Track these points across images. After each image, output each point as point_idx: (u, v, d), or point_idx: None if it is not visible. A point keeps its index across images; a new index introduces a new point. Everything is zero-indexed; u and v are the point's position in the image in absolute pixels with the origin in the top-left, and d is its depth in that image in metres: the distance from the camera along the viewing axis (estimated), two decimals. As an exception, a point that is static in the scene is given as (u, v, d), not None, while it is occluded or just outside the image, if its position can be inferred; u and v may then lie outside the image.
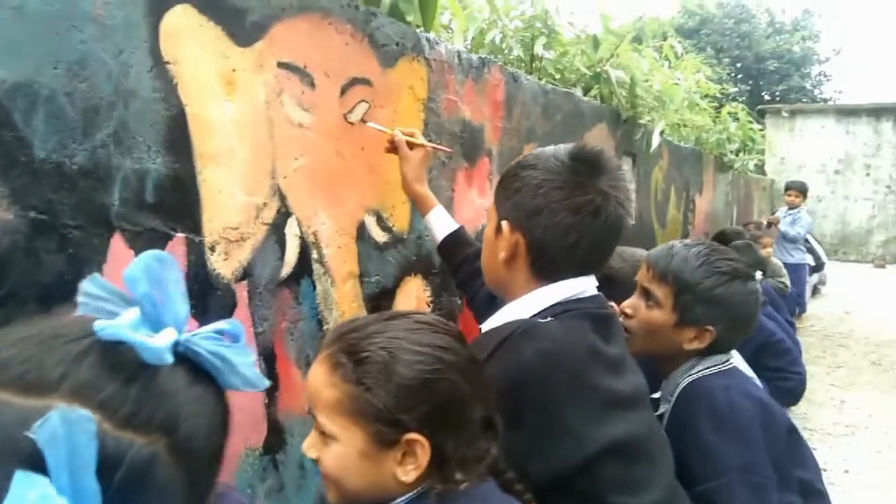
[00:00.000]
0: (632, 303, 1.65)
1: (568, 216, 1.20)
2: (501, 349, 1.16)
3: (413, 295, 2.04)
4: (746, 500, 1.39)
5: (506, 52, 3.45)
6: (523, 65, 3.56)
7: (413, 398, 0.92)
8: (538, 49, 3.47)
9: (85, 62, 1.11)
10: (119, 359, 0.59)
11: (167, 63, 1.25)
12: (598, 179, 1.22)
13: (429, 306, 2.12)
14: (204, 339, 0.66)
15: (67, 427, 0.52)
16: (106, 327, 0.59)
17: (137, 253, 1.17)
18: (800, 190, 7.71)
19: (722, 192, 7.56)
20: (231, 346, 0.68)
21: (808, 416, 4.08)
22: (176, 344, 0.63)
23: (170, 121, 1.26)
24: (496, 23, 3.33)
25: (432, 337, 0.97)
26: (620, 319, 1.68)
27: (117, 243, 1.18)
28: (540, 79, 3.48)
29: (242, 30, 1.40)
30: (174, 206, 1.28)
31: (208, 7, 1.32)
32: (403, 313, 1.04)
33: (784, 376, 3.67)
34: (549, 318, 1.21)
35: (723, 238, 4.74)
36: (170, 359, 0.61)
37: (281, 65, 1.51)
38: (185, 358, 0.64)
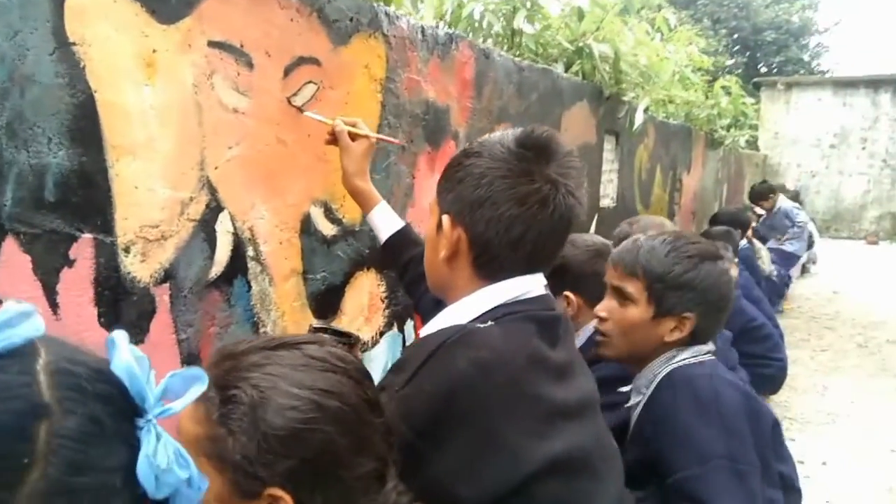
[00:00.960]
0: (605, 306, 1.59)
1: (512, 207, 1.10)
2: (433, 358, 1.07)
3: (364, 290, 1.95)
4: (729, 487, 1.36)
5: (484, 28, 3.32)
6: (504, 41, 3.43)
7: (279, 450, 0.81)
8: (518, 23, 3.34)
9: (-32, 45, 1.00)
10: None
11: (73, 44, 1.13)
12: (546, 166, 1.12)
13: (382, 302, 2.03)
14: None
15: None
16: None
17: (34, 258, 1.08)
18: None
19: (712, 169, 7.48)
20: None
21: (789, 404, 4.05)
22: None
23: (75, 109, 1.15)
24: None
25: (318, 377, 0.86)
26: (595, 324, 1.61)
27: (10, 247, 1.08)
28: (520, 55, 3.36)
29: (166, 5, 1.29)
30: (80, 204, 1.17)
31: (123, -19, 1.20)
32: (295, 342, 0.91)
33: (764, 363, 3.63)
34: (489, 323, 1.12)
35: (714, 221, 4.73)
36: None
37: (213, 44, 1.39)
38: None
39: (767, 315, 3.99)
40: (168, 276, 1.35)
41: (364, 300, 1.95)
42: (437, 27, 2.15)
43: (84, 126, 1.16)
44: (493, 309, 1.13)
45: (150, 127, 1.28)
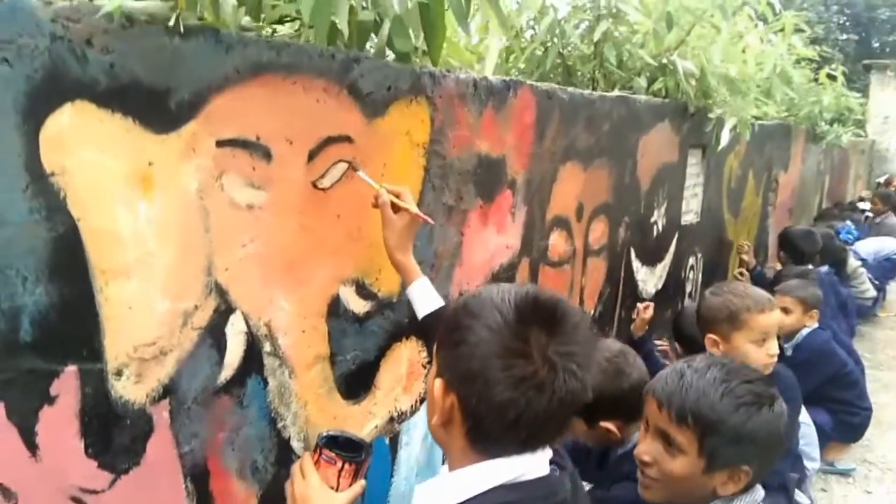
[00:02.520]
0: (648, 449, 1.35)
1: (506, 391, 0.91)
2: None
3: (402, 361, 1.79)
4: None
5: (558, 39, 3.05)
6: (578, 54, 3.15)
7: None
8: (598, 34, 3.05)
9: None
10: None
11: (51, 175, 1.01)
12: (547, 343, 0.92)
13: (425, 368, 1.87)
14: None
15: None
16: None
17: (8, 403, 0.97)
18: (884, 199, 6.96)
19: (812, 163, 6.88)
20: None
21: (871, 444, 3.63)
22: None
23: (54, 242, 1.02)
24: (547, 10, 2.93)
25: None
26: (638, 468, 1.39)
27: (-21, 397, 0.98)
28: (599, 70, 3.08)
29: (164, 114, 1.14)
30: (62, 337, 1.06)
31: (113, 98, 1.06)
32: None
33: (853, 411, 3.32)
34: None
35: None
36: None
37: (222, 143, 1.24)
38: None
39: (847, 349, 3.60)
40: (168, 391, 1.23)
41: (402, 370, 1.80)
42: (491, 77, 1.92)
43: (65, 258, 1.04)
44: (484, 493, 0.95)
45: (147, 244, 1.15)
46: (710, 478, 1.28)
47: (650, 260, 3.24)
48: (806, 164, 6.53)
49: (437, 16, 1.64)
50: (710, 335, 2.07)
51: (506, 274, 2.14)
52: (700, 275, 4.04)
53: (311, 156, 1.43)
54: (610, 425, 1.75)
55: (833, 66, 6.56)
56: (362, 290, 1.62)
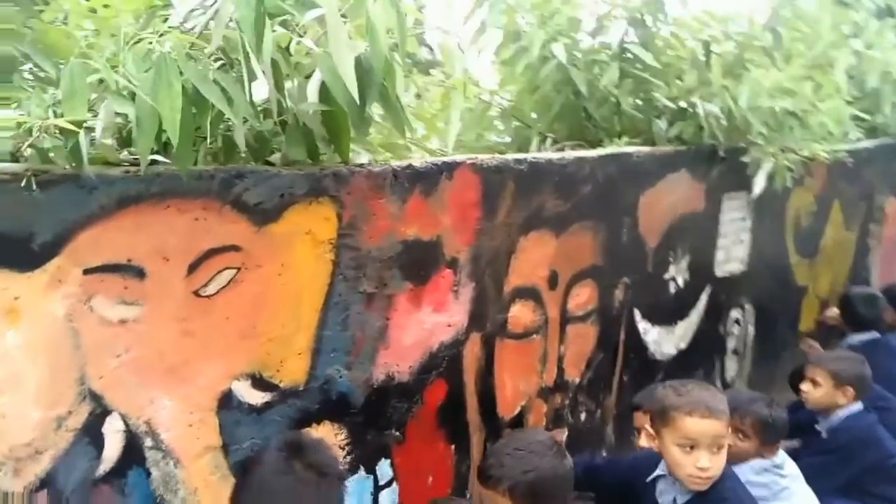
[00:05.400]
0: None
1: None
2: None
3: (315, 444, 2.07)
4: None
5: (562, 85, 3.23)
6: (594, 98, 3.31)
7: None
8: (607, 80, 3.21)
9: None
10: None
11: (-83, 318, 1.37)
12: None
13: (343, 449, 2.15)
14: None
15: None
16: None
17: None
18: None
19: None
20: None
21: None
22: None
23: (-77, 372, 1.39)
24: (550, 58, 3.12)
25: None
26: None
27: None
28: (616, 114, 3.23)
29: (28, 255, 1.49)
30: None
31: (-28, 249, 1.42)
32: None
33: None
34: None
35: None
36: None
37: (89, 270, 1.58)
38: None
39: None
40: (45, 483, 1.58)
41: (315, 453, 2.08)
42: (417, 164, 2.17)
43: (-66, 383, 1.41)
44: None
45: (16, 364, 1.50)
46: None
47: (665, 320, 3.35)
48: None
49: (341, 122, 1.92)
50: (645, 426, 2.22)
51: (448, 351, 2.38)
52: (751, 327, 4.06)
53: (193, 268, 1.74)
54: None
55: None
56: (260, 383, 1.92)
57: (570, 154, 2.76)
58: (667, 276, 3.31)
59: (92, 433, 1.64)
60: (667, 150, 3.19)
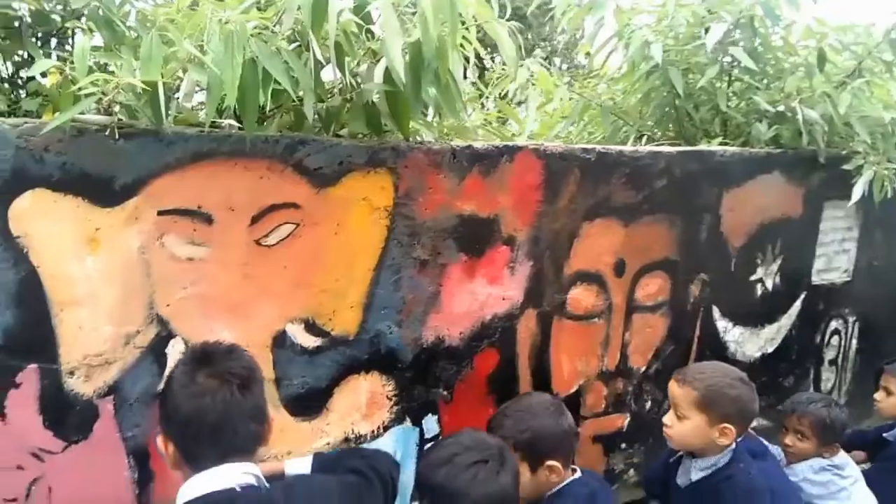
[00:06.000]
0: None
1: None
2: None
3: (361, 391, 2.27)
4: None
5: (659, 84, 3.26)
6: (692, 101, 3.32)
7: None
8: (705, 81, 3.21)
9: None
10: None
11: (17, 237, 1.68)
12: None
13: (389, 399, 2.33)
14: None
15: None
16: None
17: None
18: None
19: None
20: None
21: None
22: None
23: (18, 282, 1.69)
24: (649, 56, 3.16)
25: None
26: None
27: (-37, 378, 1.68)
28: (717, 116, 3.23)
29: (108, 193, 1.76)
30: (23, 344, 1.73)
31: (64, 184, 1.70)
32: None
33: None
34: None
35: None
36: None
37: (164, 212, 1.84)
38: None
39: None
40: (112, 390, 1.86)
41: (361, 399, 2.28)
42: (477, 145, 2.31)
43: (27, 290, 1.71)
44: None
45: (94, 285, 1.78)
46: None
47: (749, 321, 3.30)
48: None
49: (401, 102, 2.10)
50: None
51: (502, 323, 2.51)
52: (854, 340, 3.88)
53: (255, 219, 1.97)
54: (555, 463, 2.17)
55: None
56: (312, 328, 2.14)
57: (644, 148, 2.80)
58: (753, 277, 3.25)
59: (156, 352, 1.91)
60: (758, 151, 3.14)
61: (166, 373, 1.91)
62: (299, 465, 2.01)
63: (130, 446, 1.92)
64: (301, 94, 1.88)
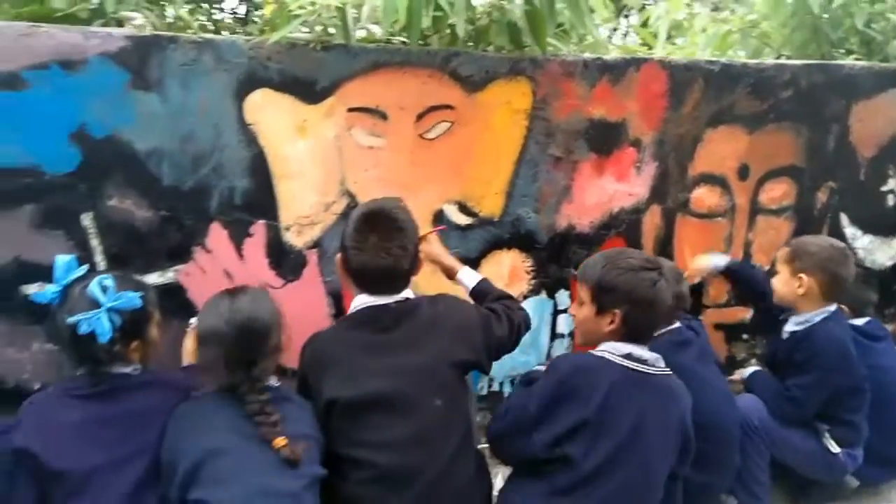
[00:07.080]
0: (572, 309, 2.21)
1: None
2: None
3: (504, 264, 2.75)
4: None
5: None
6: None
7: None
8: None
9: (192, 134, 2.23)
10: None
11: (250, 124, 2.29)
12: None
13: (528, 273, 2.80)
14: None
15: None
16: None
17: (231, 235, 2.31)
18: None
19: None
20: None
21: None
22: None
23: (252, 158, 2.31)
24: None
25: None
26: None
27: (216, 228, 2.33)
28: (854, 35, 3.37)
29: (312, 93, 2.34)
30: (255, 205, 2.35)
31: (282, 85, 2.29)
32: None
33: None
34: None
35: None
36: None
37: (352, 109, 2.39)
38: None
39: None
40: (316, 244, 2.46)
41: (504, 271, 2.76)
42: (607, 57, 2.68)
43: (257, 165, 2.32)
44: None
45: (303, 163, 2.37)
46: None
47: (880, 230, 3.44)
48: None
49: (539, 19, 2.53)
50: None
51: (628, 216, 2.89)
52: None
53: (420, 117, 2.49)
54: None
55: None
56: (464, 209, 2.64)
57: (769, 61, 3.03)
58: (885, 188, 3.39)
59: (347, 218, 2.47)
60: (889, 65, 3.26)
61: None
62: (468, 278, 2.38)
63: (329, 288, 2.52)
64: (455, 17, 2.35)
